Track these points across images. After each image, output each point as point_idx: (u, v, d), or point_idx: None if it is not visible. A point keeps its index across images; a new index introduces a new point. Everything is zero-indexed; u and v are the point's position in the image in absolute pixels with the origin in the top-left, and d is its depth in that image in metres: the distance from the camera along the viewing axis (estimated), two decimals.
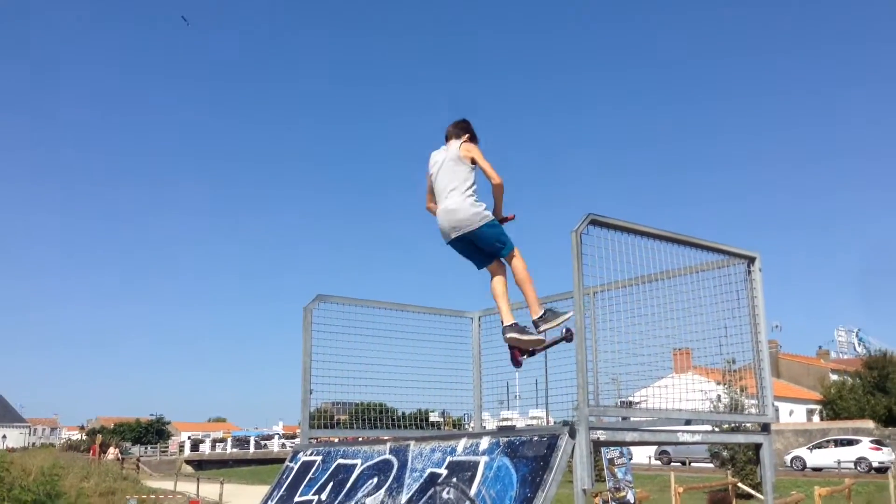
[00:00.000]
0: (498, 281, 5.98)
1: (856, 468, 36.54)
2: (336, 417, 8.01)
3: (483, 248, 5.84)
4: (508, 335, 5.84)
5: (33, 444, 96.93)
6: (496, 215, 5.90)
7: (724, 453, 27.79)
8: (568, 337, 5.84)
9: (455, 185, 5.75)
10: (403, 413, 8.22)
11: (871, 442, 37.80)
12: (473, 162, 5.79)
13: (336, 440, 7.66)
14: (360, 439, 7.43)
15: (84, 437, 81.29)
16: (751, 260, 6.16)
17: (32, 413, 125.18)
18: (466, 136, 5.98)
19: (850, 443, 38.16)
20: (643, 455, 39.95)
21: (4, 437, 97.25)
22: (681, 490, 22.45)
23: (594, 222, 5.13)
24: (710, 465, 33.45)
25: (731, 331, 6.10)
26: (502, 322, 5.93)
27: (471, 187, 5.76)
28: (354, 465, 6.09)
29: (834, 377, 58.88)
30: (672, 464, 40.56)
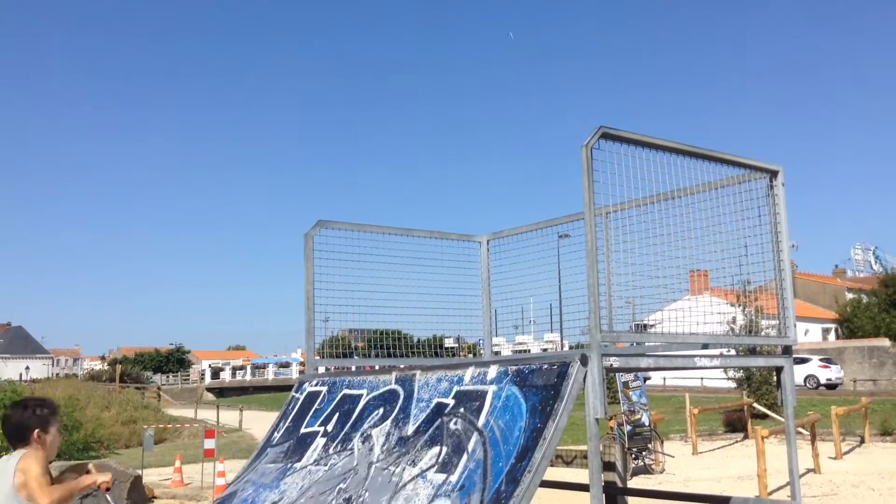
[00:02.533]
0: None
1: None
2: (353, 345, 7.89)
3: None
4: None
5: (56, 375, 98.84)
6: None
7: (740, 373, 27.77)
8: None
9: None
10: (419, 339, 8.06)
11: (820, 360, 39.48)
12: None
13: (344, 369, 7.50)
14: (367, 368, 7.25)
15: (106, 367, 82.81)
16: (773, 174, 5.80)
17: (54, 344, 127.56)
18: (36, 430, 4.42)
19: (801, 361, 39.31)
20: (658, 376, 40.11)
21: (28, 368, 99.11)
22: (696, 411, 22.53)
23: (606, 136, 4.78)
24: (726, 385, 33.60)
25: (751, 250, 5.80)
26: None
27: None
28: (360, 396, 5.91)
29: (850, 296, 58.67)
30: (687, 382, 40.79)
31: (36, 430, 4.43)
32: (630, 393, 17.65)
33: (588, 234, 4.64)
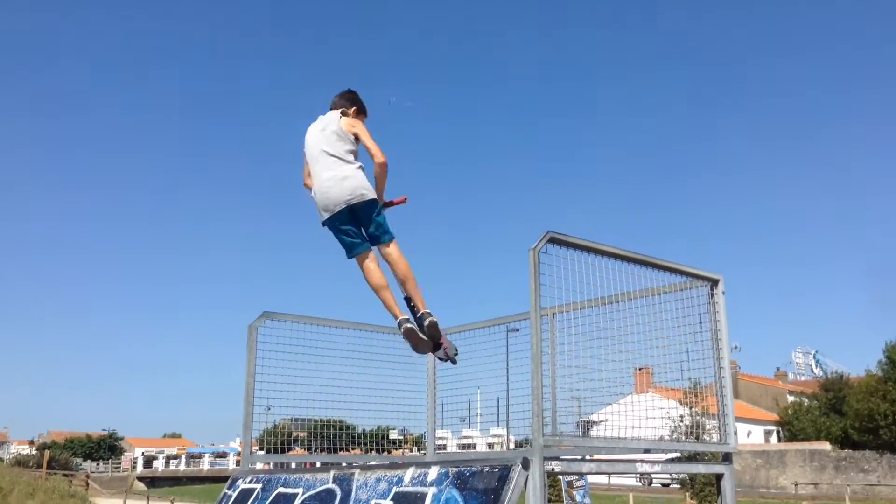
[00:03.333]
0: (376, 270, 5.33)
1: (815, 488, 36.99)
2: (294, 434, 7.69)
3: (366, 226, 5.28)
4: (407, 326, 5.30)
5: None
6: (379, 199, 5.36)
7: (683, 475, 27.70)
8: (452, 359, 5.64)
9: (341, 155, 5.22)
10: (364, 430, 7.91)
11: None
12: (357, 139, 5.30)
13: (274, 465, 7.29)
14: (304, 465, 7.07)
15: (34, 452, 79.23)
16: (714, 282, 5.94)
17: None
18: (353, 108, 5.54)
19: None
20: (602, 476, 39.80)
21: None
22: None
23: (553, 240, 4.86)
24: (670, 486, 33.44)
25: (692, 354, 5.88)
26: (394, 315, 5.34)
27: (356, 160, 5.30)
28: (295, 495, 5.73)
29: (791, 398, 59.46)
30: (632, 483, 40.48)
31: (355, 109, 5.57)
32: (574, 493, 17.44)
33: (533, 336, 4.67)
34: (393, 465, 5.37)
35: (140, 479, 75.30)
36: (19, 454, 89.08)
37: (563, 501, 17.97)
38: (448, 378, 7.93)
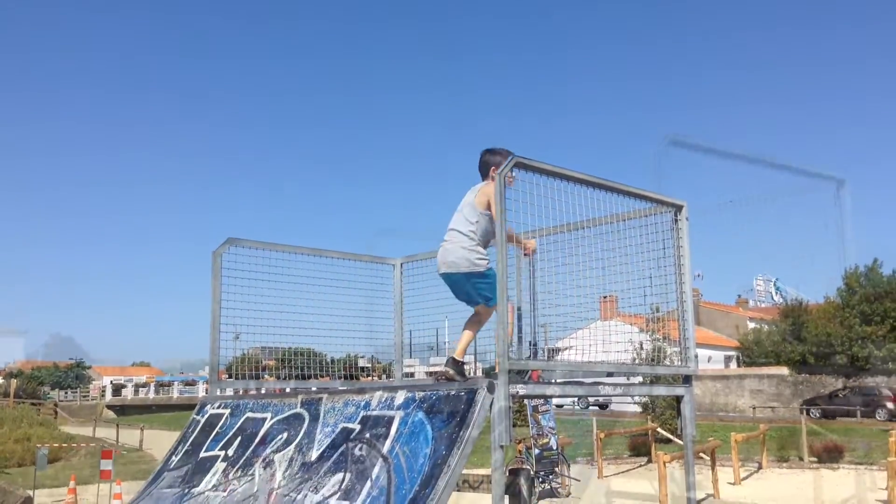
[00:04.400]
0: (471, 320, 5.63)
1: (773, 412, 38.00)
2: (263, 363, 7.70)
3: (466, 292, 5.55)
4: (443, 369, 5.46)
5: None
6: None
7: (645, 399, 28.38)
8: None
9: (459, 226, 5.40)
10: (332, 359, 7.94)
11: None
12: (488, 207, 5.27)
13: (248, 392, 7.33)
14: (272, 391, 7.11)
15: (1, 381, 78.96)
16: (678, 208, 5.97)
17: None
18: (492, 168, 5.29)
19: None
20: (567, 400, 40.67)
21: None
22: (602, 435, 22.91)
23: (519, 165, 4.83)
24: (630, 410, 34.30)
25: (655, 280, 5.95)
26: (455, 353, 5.48)
27: (474, 232, 5.39)
28: (264, 419, 5.79)
29: (751, 325, 60.81)
30: (590, 408, 41.45)
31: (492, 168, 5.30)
32: (539, 417, 17.79)
33: (499, 262, 4.67)
34: (360, 390, 5.42)
35: (109, 407, 75.53)
36: None
37: (528, 425, 18.34)
38: (416, 307, 7.95)
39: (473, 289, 5.44)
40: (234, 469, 5.47)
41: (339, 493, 4.68)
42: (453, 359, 5.36)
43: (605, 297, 5.91)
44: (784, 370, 45.79)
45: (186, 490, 5.57)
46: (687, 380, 5.91)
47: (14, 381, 61.58)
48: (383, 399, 5.10)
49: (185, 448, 6.10)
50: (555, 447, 17.91)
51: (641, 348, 8.14)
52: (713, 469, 17.90)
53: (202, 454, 5.88)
